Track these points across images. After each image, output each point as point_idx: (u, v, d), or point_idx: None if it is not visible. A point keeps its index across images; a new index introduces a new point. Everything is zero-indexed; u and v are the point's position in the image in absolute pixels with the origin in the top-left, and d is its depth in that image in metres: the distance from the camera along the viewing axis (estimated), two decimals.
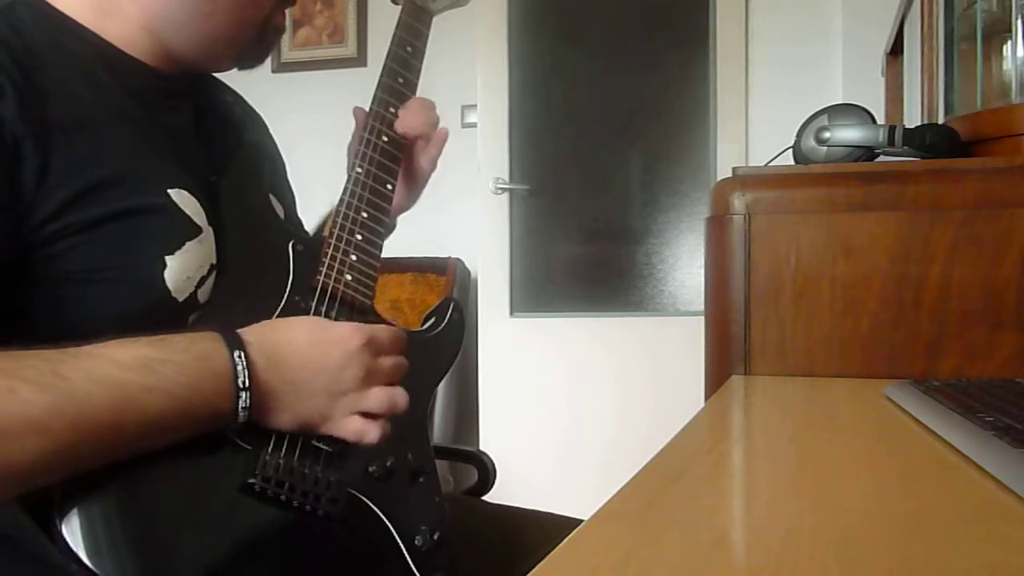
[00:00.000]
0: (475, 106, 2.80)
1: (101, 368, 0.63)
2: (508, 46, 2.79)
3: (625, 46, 2.82)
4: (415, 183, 0.98)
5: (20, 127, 0.67)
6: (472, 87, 2.77)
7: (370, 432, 0.74)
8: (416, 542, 0.78)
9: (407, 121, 0.92)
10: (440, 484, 0.84)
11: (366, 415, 0.75)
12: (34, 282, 0.69)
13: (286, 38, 3.15)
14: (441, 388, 2.58)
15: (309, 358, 0.72)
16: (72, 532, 0.63)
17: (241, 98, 0.99)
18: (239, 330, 0.70)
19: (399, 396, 0.76)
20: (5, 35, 0.71)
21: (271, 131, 1.02)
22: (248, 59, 0.88)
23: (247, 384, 0.67)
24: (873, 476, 0.57)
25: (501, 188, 2.78)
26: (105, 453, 0.63)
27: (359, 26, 3.12)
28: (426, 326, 0.92)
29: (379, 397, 0.75)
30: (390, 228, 1.03)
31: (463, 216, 2.82)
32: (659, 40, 2.81)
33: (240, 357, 0.67)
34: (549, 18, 2.87)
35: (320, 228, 0.96)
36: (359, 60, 3.10)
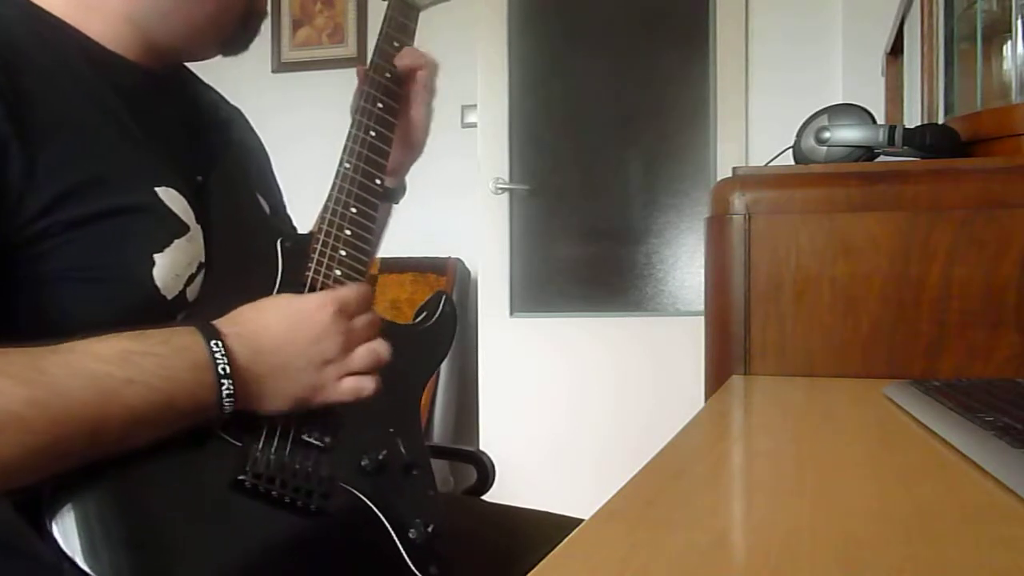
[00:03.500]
0: (475, 106, 2.80)
1: (81, 362, 0.63)
2: (508, 46, 2.79)
3: (625, 46, 2.82)
4: (412, 133, 0.97)
5: (5, 126, 0.67)
6: (472, 87, 2.77)
7: (365, 386, 0.76)
8: (411, 535, 0.78)
9: (404, 56, 0.92)
10: (434, 477, 0.84)
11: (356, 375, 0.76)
12: (20, 281, 0.69)
13: (286, 38, 3.15)
14: (441, 388, 2.58)
15: (287, 338, 0.73)
16: (64, 532, 0.63)
17: (223, 97, 0.99)
18: (216, 321, 0.71)
19: (382, 348, 0.78)
20: None
21: (268, 131, 1.02)
22: (233, 45, 0.87)
23: (228, 372, 0.68)
24: (873, 476, 0.57)
25: (501, 188, 2.78)
26: (90, 448, 0.63)
27: (359, 26, 3.12)
28: (418, 320, 0.92)
29: (363, 356, 0.76)
30: (401, 189, 1.02)
31: (463, 216, 2.82)
32: (659, 40, 2.81)
33: (218, 346, 0.68)
34: (549, 18, 2.87)
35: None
36: (359, 60, 3.09)
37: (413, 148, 0.99)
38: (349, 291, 0.78)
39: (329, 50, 3.14)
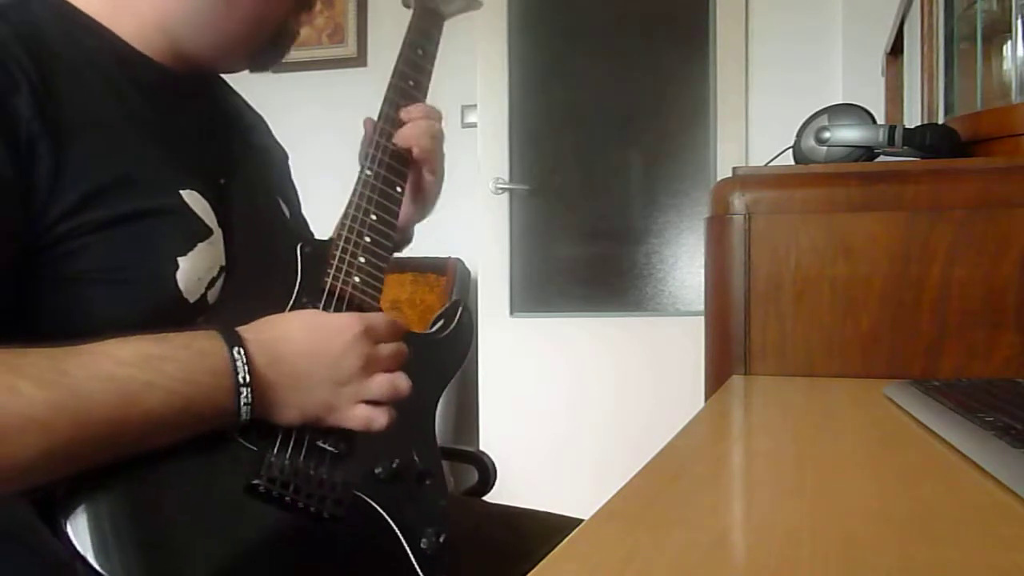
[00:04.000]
0: (475, 106, 2.80)
1: (102, 365, 0.63)
2: (508, 46, 2.79)
3: (625, 46, 2.82)
4: (422, 196, 0.97)
5: (36, 125, 0.67)
6: (472, 87, 2.77)
7: (377, 419, 0.75)
8: (422, 545, 0.77)
9: (402, 132, 0.91)
10: (447, 486, 0.84)
11: (371, 403, 0.75)
12: (44, 281, 0.69)
13: None
14: None
15: (308, 351, 0.72)
16: (77, 531, 0.63)
17: (246, 101, 0.99)
18: (238, 328, 0.71)
19: (401, 381, 0.77)
20: (20, 30, 0.71)
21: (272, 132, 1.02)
22: (261, 61, 0.88)
23: (247, 380, 0.68)
24: (873, 476, 0.57)
25: (501, 188, 2.78)
26: (107, 450, 0.63)
27: (359, 26, 3.12)
28: (435, 328, 0.92)
29: (381, 384, 0.76)
30: (406, 240, 1.03)
31: (463, 216, 2.82)
32: (659, 40, 2.81)
33: (239, 353, 0.68)
34: (549, 18, 2.87)
35: None
36: (359, 60, 3.10)
37: (423, 208, 0.99)
38: (379, 317, 0.78)
39: (329, 50, 3.14)
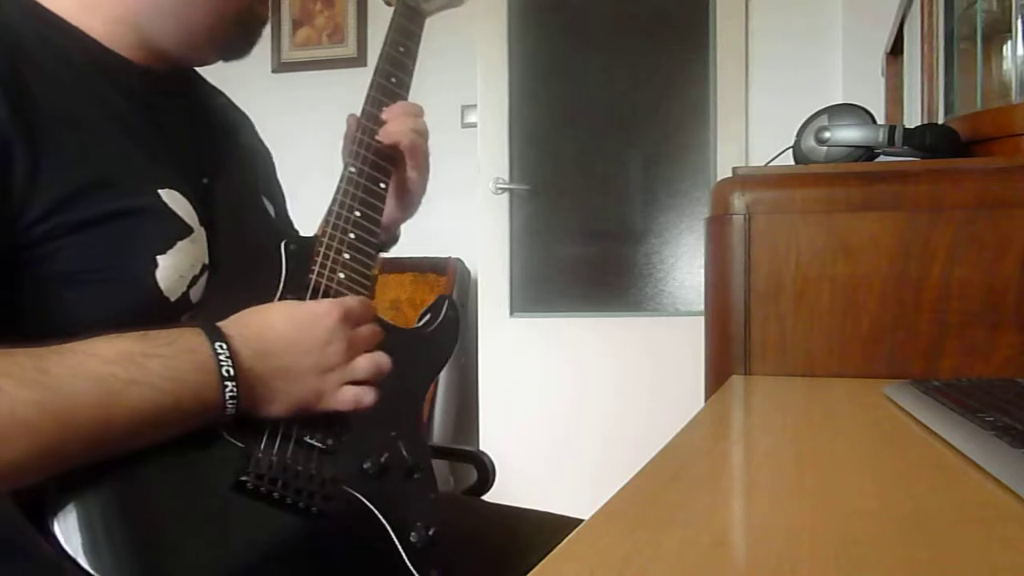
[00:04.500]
0: (475, 106, 2.80)
1: (85, 363, 0.63)
2: (508, 46, 2.79)
3: (625, 46, 2.82)
4: (407, 194, 0.97)
5: (10, 127, 0.67)
6: (472, 87, 2.77)
7: (365, 397, 0.77)
8: (411, 538, 0.78)
9: (387, 129, 0.91)
10: (436, 480, 0.84)
11: (356, 383, 0.77)
12: (24, 282, 0.69)
13: (286, 38, 3.14)
14: (441, 388, 2.58)
15: (292, 341, 0.73)
16: (66, 532, 0.63)
17: (231, 100, 0.99)
18: (220, 323, 0.71)
19: (382, 359, 0.79)
20: None
21: (269, 131, 1.02)
22: (232, 51, 0.87)
23: (232, 374, 0.68)
24: (873, 476, 0.57)
25: (501, 188, 2.78)
26: (94, 449, 0.63)
27: (359, 26, 3.12)
28: (421, 323, 0.92)
29: (365, 365, 0.77)
30: (392, 239, 1.03)
31: (463, 216, 2.82)
32: (659, 40, 2.81)
33: (222, 348, 0.68)
34: (549, 18, 2.87)
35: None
36: (359, 60, 3.10)
37: (407, 207, 0.99)
38: (353, 300, 0.79)
39: (329, 50, 3.14)
